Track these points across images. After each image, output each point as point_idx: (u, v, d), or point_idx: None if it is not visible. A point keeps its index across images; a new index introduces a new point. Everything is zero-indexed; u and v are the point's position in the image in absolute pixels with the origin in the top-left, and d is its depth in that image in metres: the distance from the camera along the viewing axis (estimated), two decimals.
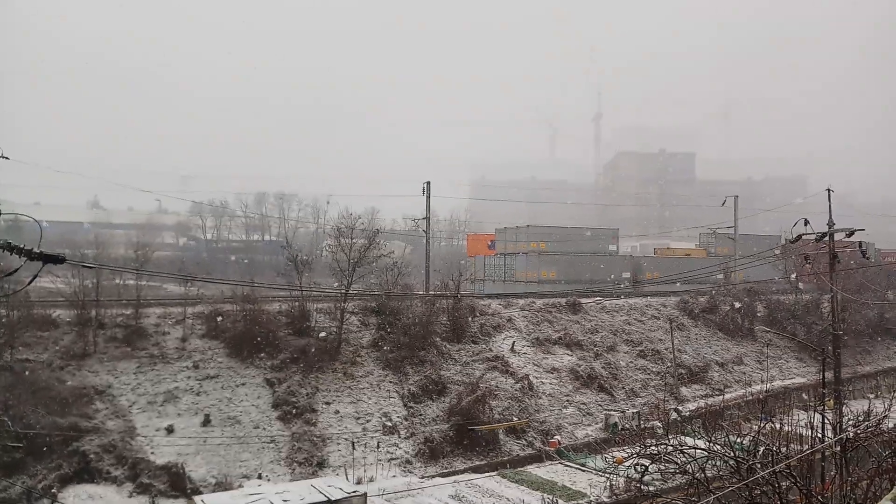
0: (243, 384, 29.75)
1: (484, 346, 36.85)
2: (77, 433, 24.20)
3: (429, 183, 44.33)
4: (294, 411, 28.70)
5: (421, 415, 30.57)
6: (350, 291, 34.58)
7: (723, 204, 55.78)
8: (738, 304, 47.04)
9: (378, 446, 28.17)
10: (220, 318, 32.23)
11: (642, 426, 31.38)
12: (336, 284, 36.39)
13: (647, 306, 46.28)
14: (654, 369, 39.16)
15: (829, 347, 31.24)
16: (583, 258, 53.86)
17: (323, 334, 32.73)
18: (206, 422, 27.23)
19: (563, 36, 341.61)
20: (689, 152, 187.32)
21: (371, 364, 33.17)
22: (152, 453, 25.07)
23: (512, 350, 37.13)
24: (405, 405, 31.04)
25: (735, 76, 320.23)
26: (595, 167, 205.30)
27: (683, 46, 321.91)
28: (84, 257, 36.83)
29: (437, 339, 35.63)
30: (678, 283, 50.64)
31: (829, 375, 29.47)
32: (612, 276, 53.66)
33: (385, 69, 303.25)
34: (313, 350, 31.59)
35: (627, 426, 31.69)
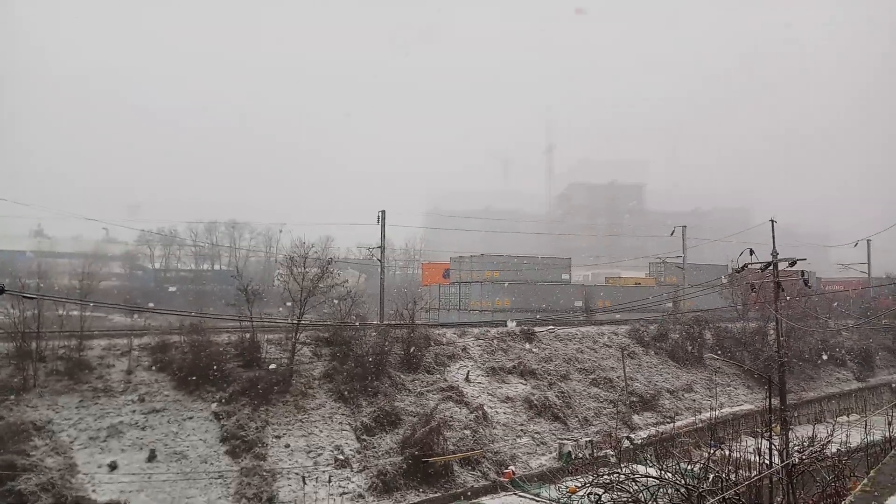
0: (191, 418, 28.91)
1: (438, 375, 36.66)
2: (13, 472, 23.09)
3: (384, 212, 44.31)
4: (243, 445, 27.96)
5: (374, 447, 30.12)
6: (302, 322, 34.08)
7: (671, 234, 57.17)
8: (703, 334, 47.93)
9: (330, 481, 27.58)
10: (167, 350, 31.36)
11: (595, 455, 31.52)
12: (288, 315, 35.82)
13: (599, 334, 46.80)
14: (607, 397, 39.48)
15: (775, 374, 32.01)
16: (537, 287, 54.32)
17: (273, 366, 32.10)
18: (152, 457, 26.31)
19: (519, 72, 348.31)
20: (638, 184, 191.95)
21: (323, 396, 32.63)
22: (94, 491, 24.06)
23: (466, 379, 37.03)
24: (358, 438, 30.55)
25: (685, 113, 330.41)
26: (548, 197, 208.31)
27: (636, 83, 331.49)
28: (25, 287, 35.50)
29: (392, 369, 35.30)
30: (631, 311, 51.41)
31: (775, 402, 30.14)
32: (566, 305, 54.18)
33: (341, 101, 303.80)
34: (264, 382, 30.93)
35: (581, 455, 31.78)
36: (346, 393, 32.69)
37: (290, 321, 34.71)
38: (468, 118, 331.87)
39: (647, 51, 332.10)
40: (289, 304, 34.94)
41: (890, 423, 34.96)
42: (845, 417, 41.54)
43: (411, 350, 36.61)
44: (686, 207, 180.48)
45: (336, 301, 36.51)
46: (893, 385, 52.81)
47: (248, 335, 33.47)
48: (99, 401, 28.24)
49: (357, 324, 36.25)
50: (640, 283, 64.69)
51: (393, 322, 38.56)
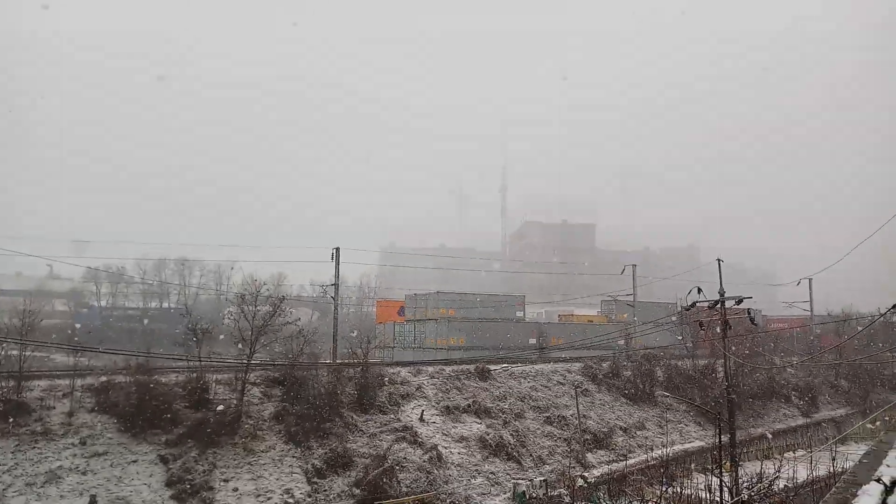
0: (135, 461, 27.87)
1: (392, 415, 36.21)
2: None
3: (338, 249, 44.09)
4: (190, 490, 27.03)
5: (325, 490, 29.45)
6: (252, 361, 33.41)
7: (622, 272, 58.18)
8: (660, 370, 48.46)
9: None
10: (111, 391, 30.31)
11: (550, 495, 31.38)
12: (238, 354, 35.11)
13: (553, 372, 47.00)
14: (561, 435, 39.51)
15: (725, 411, 32.57)
16: (491, 325, 54.47)
17: (221, 407, 31.29)
18: (92, 503, 25.24)
19: (473, 111, 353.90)
20: (589, 223, 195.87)
21: (273, 438, 31.86)
22: None
23: (421, 419, 36.65)
24: (309, 481, 29.84)
25: (635, 151, 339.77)
26: (502, 236, 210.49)
27: (587, 123, 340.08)
28: None
29: (344, 409, 34.75)
30: (584, 348, 51.89)
31: (725, 438, 30.62)
32: (520, 342, 54.40)
33: (295, 136, 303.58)
34: (212, 424, 30.07)
35: (535, 495, 31.59)
36: (297, 434, 31.99)
37: (240, 361, 33.98)
38: (424, 156, 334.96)
39: (593, 94, 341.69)
40: (239, 344, 34.26)
41: (833, 459, 35.84)
42: (792, 453, 42.41)
43: (365, 390, 36.16)
44: (636, 247, 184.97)
45: (288, 340, 35.94)
46: (837, 420, 54.18)
47: (195, 375, 32.62)
48: (37, 444, 27.05)
49: (309, 363, 35.70)
50: (592, 321, 65.45)
51: (346, 361, 38.10)
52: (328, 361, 39.65)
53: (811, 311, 70.58)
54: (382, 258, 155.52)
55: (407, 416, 36.68)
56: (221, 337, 38.95)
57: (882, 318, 45.33)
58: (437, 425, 36.80)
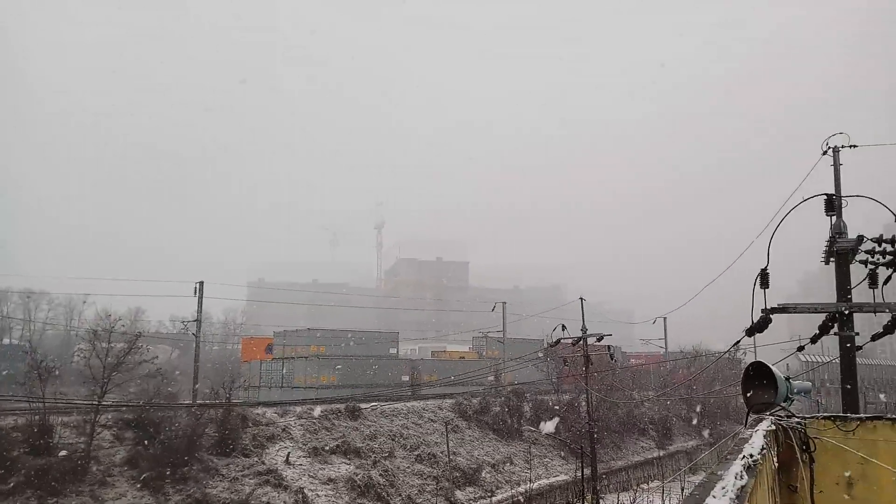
0: None
1: (256, 458, 34.66)
2: None
3: (202, 283, 42.23)
4: None
5: None
6: (104, 402, 31.03)
7: (493, 309, 59.54)
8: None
9: None
10: None
11: None
12: (88, 394, 32.51)
13: (424, 409, 46.92)
14: (431, 473, 39.34)
15: (587, 445, 33.79)
16: (363, 362, 53.76)
17: (64, 452, 28.72)
18: None
19: (344, 142, 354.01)
20: (462, 261, 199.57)
21: (125, 484, 29.57)
22: None
23: (286, 462, 35.32)
24: None
25: (506, 192, 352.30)
26: (377, 272, 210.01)
27: (459, 161, 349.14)
28: None
29: (204, 453, 32.88)
30: (456, 384, 52.26)
31: (587, 471, 31.70)
32: (393, 380, 54.02)
33: (156, 159, 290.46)
34: (55, 471, 27.47)
35: None
36: (152, 480, 29.86)
37: (89, 402, 31.44)
38: (295, 188, 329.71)
39: (470, 138, 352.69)
40: (89, 384, 31.76)
41: (683, 489, 37.97)
42: (646, 484, 44.54)
43: (227, 432, 34.46)
44: (507, 285, 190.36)
45: (144, 379, 33.78)
46: (688, 451, 57.53)
47: (37, 418, 29.80)
48: None
49: (166, 404, 33.65)
50: (464, 357, 66.22)
51: (207, 402, 36.25)
52: (188, 402, 37.54)
53: (665, 347, 75.16)
54: (251, 293, 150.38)
55: (272, 458, 35.25)
56: (62, 378, 36.02)
57: (727, 355, 48.94)
58: (304, 467, 35.60)
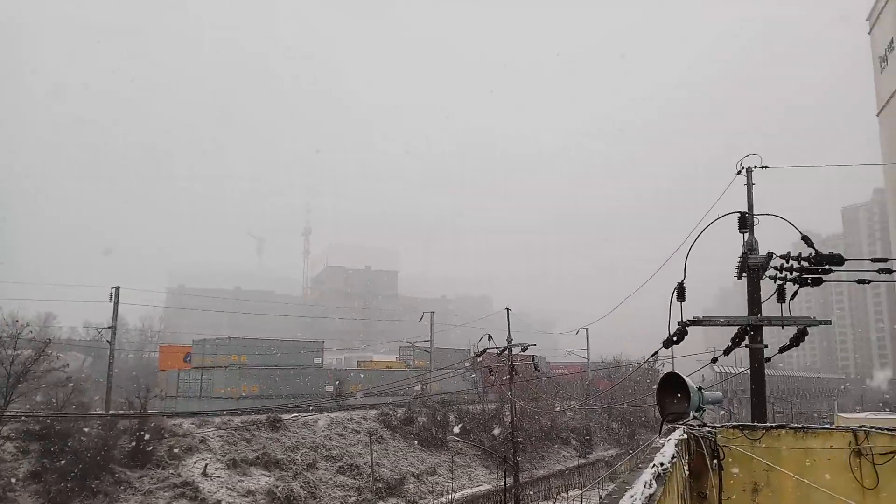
0: None
1: (172, 471, 33.44)
2: None
3: (118, 288, 40.55)
4: None
5: None
6: (7, 413, 29.33)
7: (420, 319, 59.48)
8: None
9: None
10: None
11: None
12: None
13: (348, 420, 46.35)
14: (353, 485, 38.86)
15: (510, 454, 34.06)
16: (287, 372, 52.66)
17: None
18: None
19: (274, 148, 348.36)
20: (392, 270, 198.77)
21: (28, 500, 28.00)
22: None
23: (204, 474, 34.21)
24: None
25: (437, 204, 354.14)
26: (304, 280, 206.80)
27: (394, 171, 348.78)
28: None
29: (116, 465, 31.51)
30: (381, 394, 51.86)
31: (510, 480, 31.95)
32: (317, 390, 53.13)
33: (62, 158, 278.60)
34: None
35: None
36: (59, 495, 28.43)
37: None
38: (223, 196, 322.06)
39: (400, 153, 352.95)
40: None
41: (601, 497, 38.70)
42: (566, 493, 45.27)
43: (141, 443, 33.12)
44: (435, 294, 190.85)
45: (52, 388, 32.14)
46: (608, 460, 58.83)
47: None
48: None
49: (76, 414, 32.10)
50: (390, 367, 65.82)
51: (121, 412, 34.79)
52: (100, 412, 35.92)
53: (588, 357, 76.71)
54: (170, 300, 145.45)
55: (189, 470, 34.09)
56: None
57: (646, 366, 50.40)
58: (222, 479, 34.57)
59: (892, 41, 48.13)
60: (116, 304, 40.28)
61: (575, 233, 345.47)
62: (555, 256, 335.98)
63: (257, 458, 37.37)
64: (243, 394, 48.35)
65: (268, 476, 36.33)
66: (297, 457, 39.04)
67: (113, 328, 40.49)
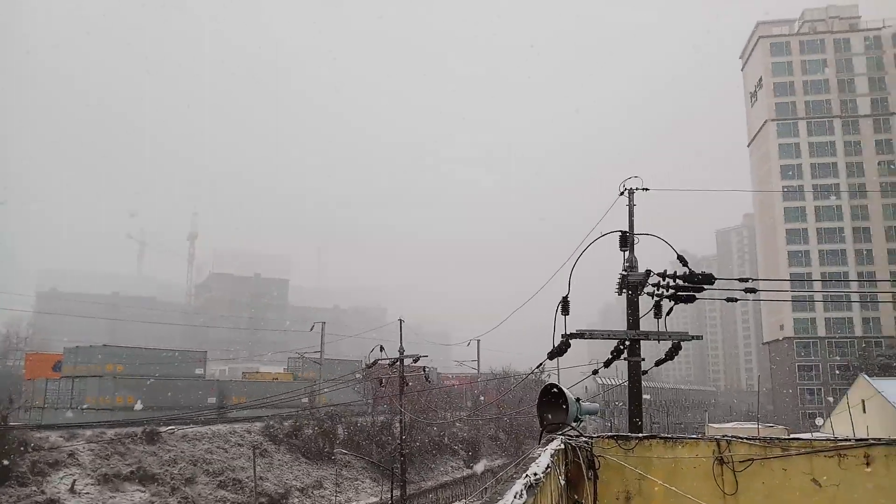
0: None
1: (35, 487, 31.13)
2: None
3: None
4: None
5: None
6: None
7: (311, 329, 58.40)
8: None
9: None
10: None
11: None
12: None
13: (231, 433, 44.81)
14: (235, 500, 37.57)
15: (398, 466, 34.01)
16: (167, 382, 50.22)
17: None
18: None
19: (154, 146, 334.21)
20: (282, 279, 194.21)
21: None
22: None
23: (71, 490, 32.05)
24: None
25: (335, 212, 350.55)
26: (188, 287, 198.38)
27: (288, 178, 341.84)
28: None
29: None
30: (267, 407, 50.39)
31: (397, 492, 31.86)
32: (199, 401, 51.00)
33: None
34: None
35: None
36: None
37: None
38: (103, 193, 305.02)
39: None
40: None
41: None
42: None
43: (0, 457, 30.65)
44: (328, 304, 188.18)
45: None
46: (494, 471, 59.81)
47: None
48: None
49: None
50: (277, 378, 64.26)
51: None
52: None
53: (478, 368, 77.88)
54: (40, 303, 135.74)
55: (54, 487, 31.85)
56: None
57: (532, 376, 51.76)
58: (92, 496, 32.53)
59: (760, 79, 52.17)
60: None
61: (470, 252, 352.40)
62: (454, 268, 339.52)
63: (132, 472, 35.43)
64: (118, 405, 45.73)
65: (143, 492, 34.51)
66: (175, 471, 37.33)
67: None
